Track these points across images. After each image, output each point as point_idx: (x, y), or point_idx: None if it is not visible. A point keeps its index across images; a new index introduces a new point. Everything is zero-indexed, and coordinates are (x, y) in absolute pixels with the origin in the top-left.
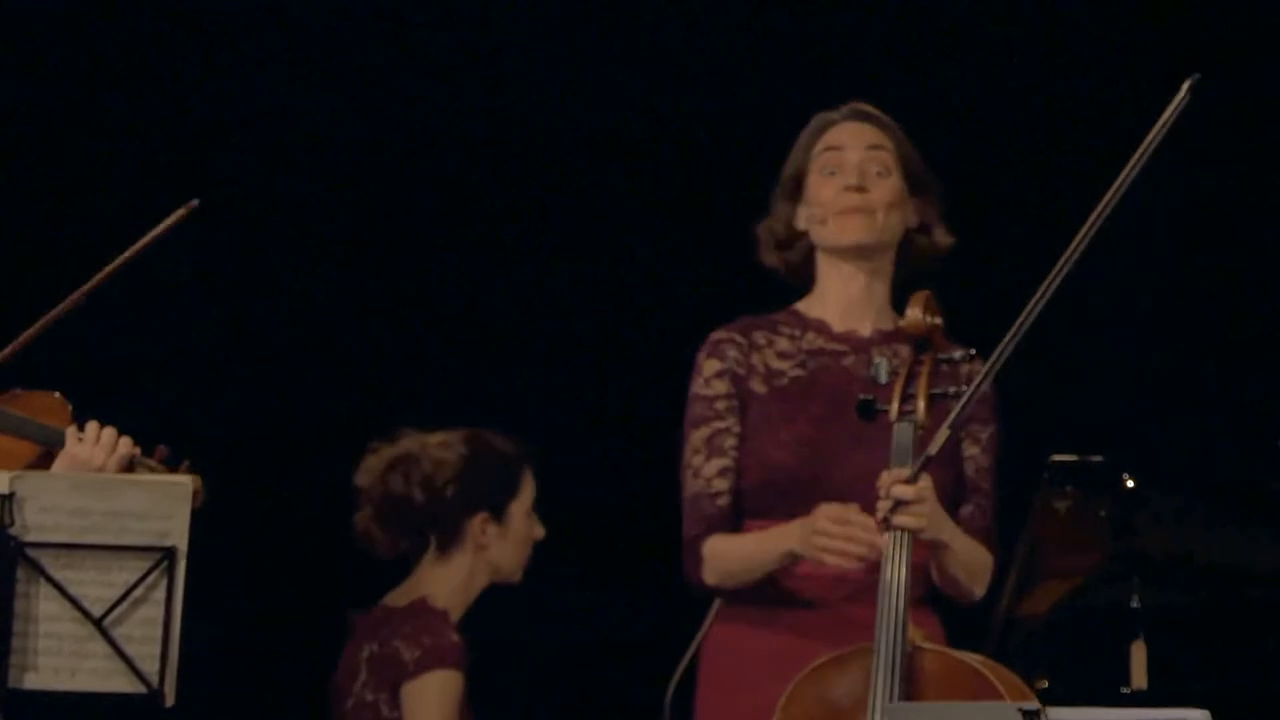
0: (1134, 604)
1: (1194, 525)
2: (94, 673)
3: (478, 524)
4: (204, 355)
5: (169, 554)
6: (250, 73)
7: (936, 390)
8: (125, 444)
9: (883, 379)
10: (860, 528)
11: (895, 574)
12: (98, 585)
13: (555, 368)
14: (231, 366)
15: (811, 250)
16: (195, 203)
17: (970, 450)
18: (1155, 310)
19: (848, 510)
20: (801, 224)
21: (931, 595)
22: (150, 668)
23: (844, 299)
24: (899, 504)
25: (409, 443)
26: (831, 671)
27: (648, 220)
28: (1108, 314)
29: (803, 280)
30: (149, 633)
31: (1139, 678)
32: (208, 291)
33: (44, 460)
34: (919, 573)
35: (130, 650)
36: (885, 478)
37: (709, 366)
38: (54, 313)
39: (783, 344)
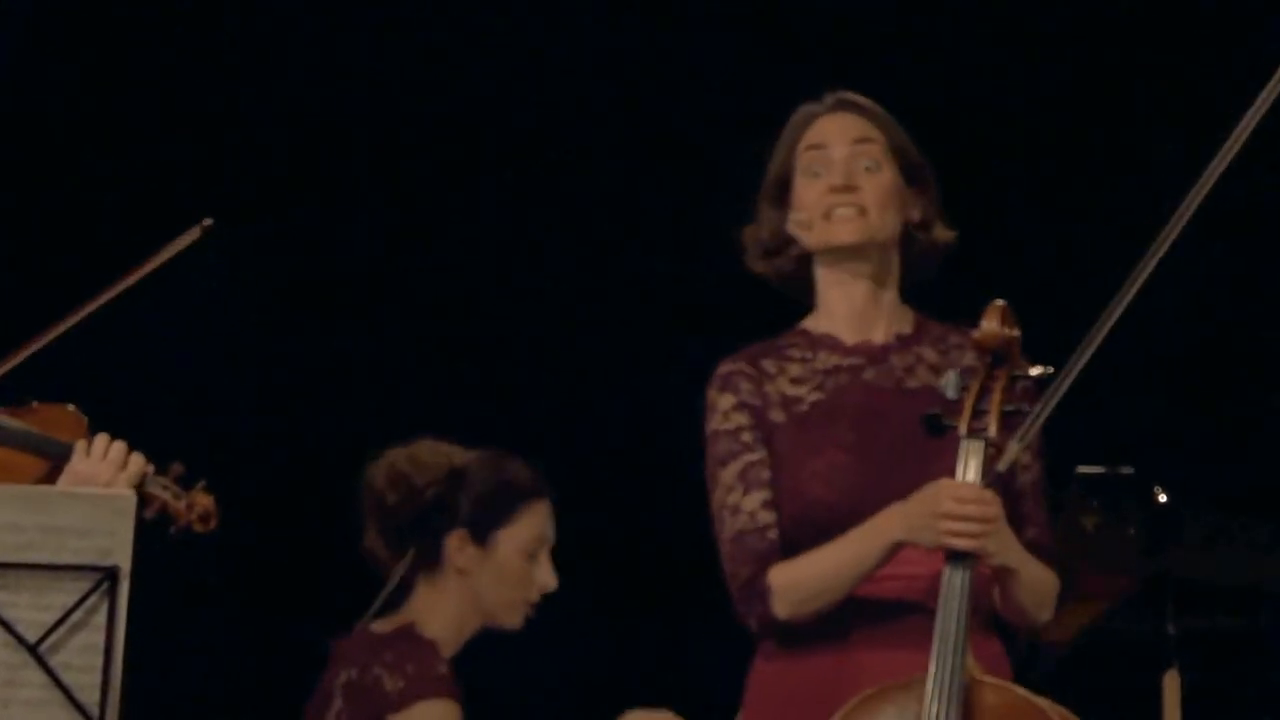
0: (1168, 630)
1: (1233, 544)
2: (28, 704)
3: (455, 541)
4: (230, 373)
5: (110, 574)
6: (261, 83)
7: (1010, 407)
8: (136, 460)
9: (951, 394)
10: (980, 502)
11: (956, 599)
12: (33, 608)
13: (580, 401)
14: (258, 386)
15: (805, 258)
16: (209, 222)
17: (1023, 459)
18: (1190, 312)
19: (960, 485)
20: (791, 230)
21: (993, 619)
22: (90, 698)
23: (850, 308)
24: (961, 520)
25: (413, 448)
26: (877, 707)
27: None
28: (1138, 314)
29: (797, 289)
30: (90, 660)
31: (1172, 712)
32: (234, 307)
33: (52, 476)
34: (979, 595)
35: (68, 679)
36: (945, 490)
37: (724, 401)
38: (62, 327)
39: (795, 369)
